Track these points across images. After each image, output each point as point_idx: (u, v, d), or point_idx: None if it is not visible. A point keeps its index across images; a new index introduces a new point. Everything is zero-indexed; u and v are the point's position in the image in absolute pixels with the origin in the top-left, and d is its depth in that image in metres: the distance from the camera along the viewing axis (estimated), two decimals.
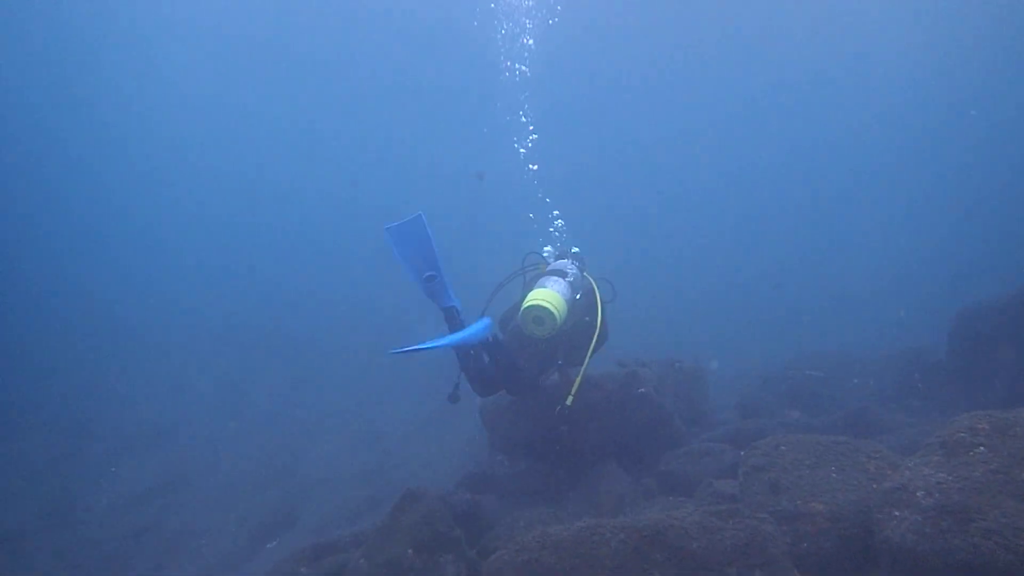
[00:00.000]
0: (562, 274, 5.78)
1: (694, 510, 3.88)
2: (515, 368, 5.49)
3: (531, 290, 5.56)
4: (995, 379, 8.02)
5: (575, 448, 6.16)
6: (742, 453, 4.71)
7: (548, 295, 5.42)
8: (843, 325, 15.12)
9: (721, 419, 7.97)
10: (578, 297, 5.83)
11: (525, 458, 6.23)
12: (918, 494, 3.68)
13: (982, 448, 3.70)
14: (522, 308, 5.40)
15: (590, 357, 5.56)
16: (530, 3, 13.53)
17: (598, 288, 5.96)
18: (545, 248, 7.15)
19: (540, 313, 5.34)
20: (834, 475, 4.28)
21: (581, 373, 5.44)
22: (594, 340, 5.58)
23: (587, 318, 5.80)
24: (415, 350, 4.38)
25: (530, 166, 10.58)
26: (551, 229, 8.70)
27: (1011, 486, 3.43)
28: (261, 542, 7.58)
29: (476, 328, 5.23)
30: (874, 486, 4.08)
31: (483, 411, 7.05)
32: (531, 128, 12.00)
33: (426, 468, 8.33)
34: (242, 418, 12.08)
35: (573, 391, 5.31)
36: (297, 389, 13.58)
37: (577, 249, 6.77)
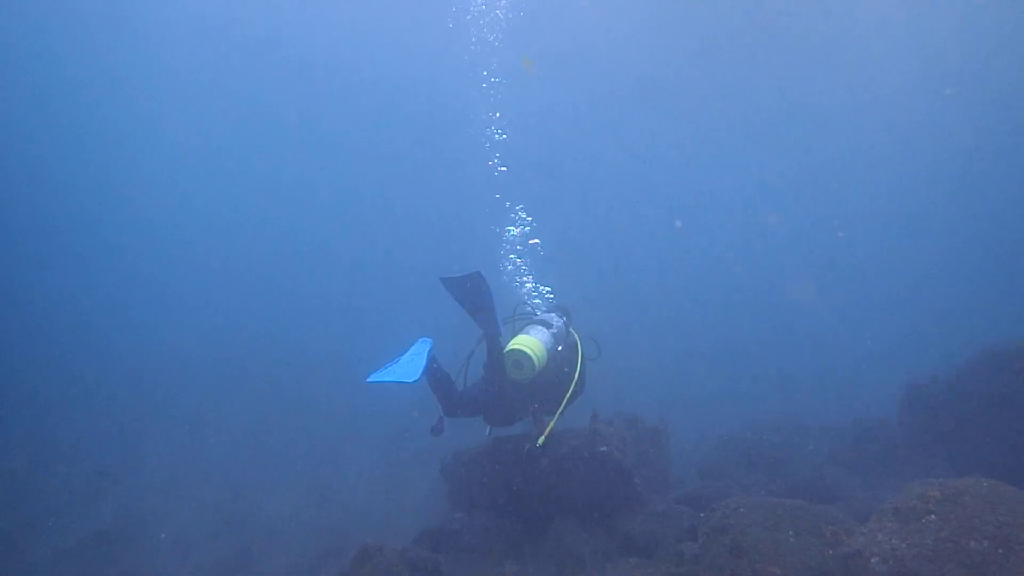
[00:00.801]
0: (547, 325, 6.15)
1: (655, 571, 3.87)
2: (499, 393, 5.75)
3: (516, 336, 5.87)
4: (941, 448, 8.28)
5: (536, 504, 6.11)
6: (702, 515, 4.74)
7: (530, 341, 5.77)
8: (808, 389, 15.37)
9: (681, 480, 7.99)
10: (560, 349, 6.11)
11: (485, 513, 6.14)
12: (873, 560, 3.76)
13: (933, 516, 3.81)
14: (505, 351, 5.67)
15: (564, 406, 5.78)
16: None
17: (582, 344, 6.21)
18: (535, 300, 7.43)
19: (519, 357, 5.66)
20: (792, 539, 4.32)
21: (554, 419, 5.64)
22: (570, 390, 5.82)
23: (566, 368, 6.08)
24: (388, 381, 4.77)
25: (531, 241, 10.40)
26: (537, 292, 8.89)
27: (960, 554, 3.52)
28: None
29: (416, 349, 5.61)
30: (830, 552, 4.14)
31: (444, 465, 6.96)
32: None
33: (384, 522, 8.10)
34: (196, 463, 11.61)
35: (545, 432, 5.49)
36: (256, 433, 13.17)
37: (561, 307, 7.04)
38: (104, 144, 30.89)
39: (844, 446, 9.12)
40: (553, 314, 6.62)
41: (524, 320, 6.51)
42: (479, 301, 5.68)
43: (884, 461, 8.61)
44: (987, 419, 7.81)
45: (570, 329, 6.52)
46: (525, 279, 8.82)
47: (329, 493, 10.22)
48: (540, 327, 6.08)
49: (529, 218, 10.11)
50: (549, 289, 8.35)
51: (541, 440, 5.45)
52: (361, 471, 10.94)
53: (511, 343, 5.75)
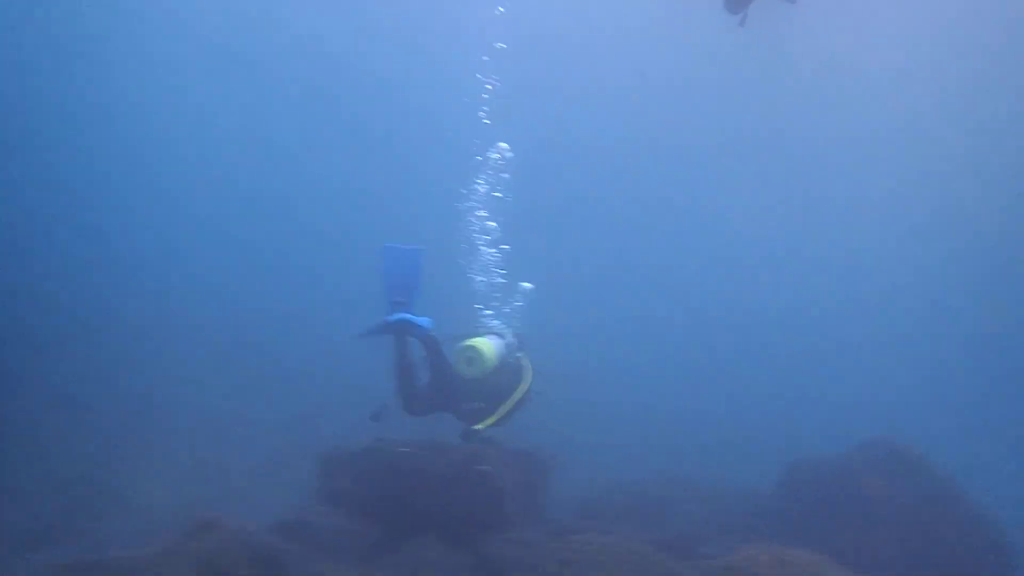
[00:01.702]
0: (500, 336, 6.81)
1: None
2: (449, 383, 6.18)
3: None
4: (812, 523, 8.62)
5: (402, 512, 6.06)
6: (552, 546, 4.80)
7: (483, 342, 6.38)
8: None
9: (557, 516, 8.05)
10: (509, 360, 6.74)
11: (348, 513, 6.05)
12: None
13: None
14: (458, 347, 6.24)
15: (505, 412, 6.27)
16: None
17: (533, 373, 6.79)
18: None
19: (472, 354, 6.23)
20: None
21: (496, 415, 6.15)
22: (513, 397, 6.36)
23: (512, 379, 6.62)
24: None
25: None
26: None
27: None
28: (26, 552, 6.71)
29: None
30: None
31: (322, 457, 6.83)
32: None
33: (246, 504, 7.86)
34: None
35: (486, 423, 6.05)
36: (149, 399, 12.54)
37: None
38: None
39: (721, 510, 9.40)
40: (507, 333, 7.19)
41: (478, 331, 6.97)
42: (407, 279, 6.24)
43: (755, 529, 8.89)
44: (862, 517, 8.19)
45: (520, 354, 7.08)
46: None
47: (209, 469, 9.86)
48: (493, 335, 6.74)
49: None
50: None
51: (481, 426, 5.98)
52: (249, 449, 10.60)
53: (466, 341, 6.31)
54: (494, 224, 10.57)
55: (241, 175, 31.60)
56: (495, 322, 7.65)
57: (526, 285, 9.86)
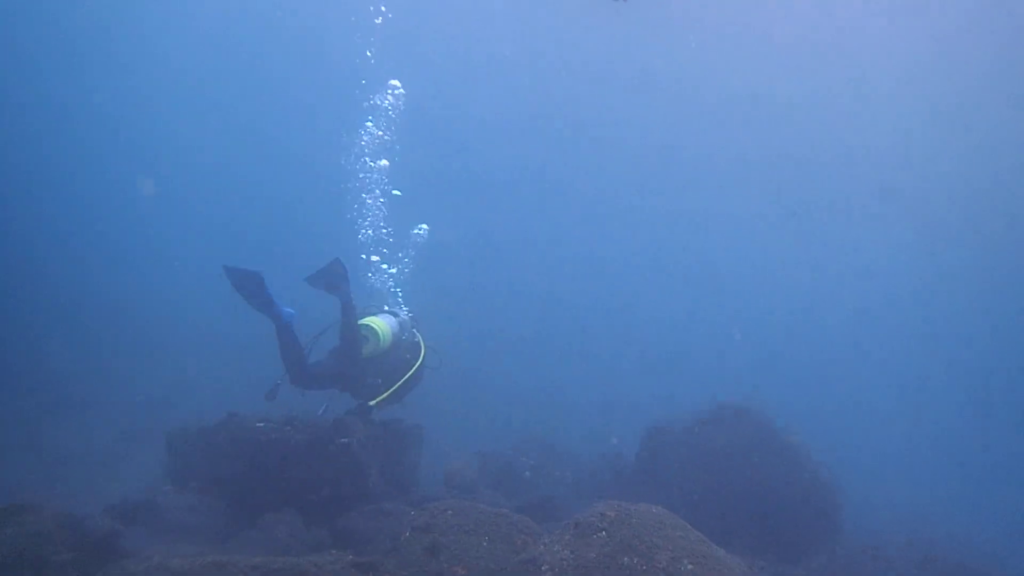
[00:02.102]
0: (394, 315, 7.08)
1: (337, 560, 3.81)
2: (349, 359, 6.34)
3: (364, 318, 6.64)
4: (671, 484, 9.21)
5: (259, 489, 5.82)
6: (412, 513, 4.79)
7: (377, 321, 6.64)
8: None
9: (426, 489, 8.06)
10: (404, 337, 7.03)
11: (198, 492, 5.72)
12: (543, 568, 4.01)
13: (604, 533, 4.16)
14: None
15: (400, 387, 6.61)
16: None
17: (426, 349, 7.14)
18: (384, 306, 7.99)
19: (367, 332, 6.49)
20: (485, 544, 4.50)
21: (391, 390, 6.48)
22: (408, 374, 6.67)
23: (408, 356, 6.94)
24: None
25: (394, 191, 10.16)
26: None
27: (612, 569, 3.87)
28: None
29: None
30: (513, 557, 4.36)
31: (169, 437, 6.41)
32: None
33: (86, 489, 7.25)
34: None
35: (380, 398, 6.41)
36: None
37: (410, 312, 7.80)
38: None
39: (585, 474, 9.81)
40: (400, 310, 7.55)
41: (373, 309, 7.20)
42: (336, 280, 6.33)
43: (620, 492, 9.36)
44: (707, 467, 8.84)
45: (416, 330, 7.38)
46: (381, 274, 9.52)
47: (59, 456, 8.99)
48: (387, 314, 7.00)
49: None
50: (400, 291, 9.37)
51: (374, 403, 6.32)
52: (97, 435, 9.76)
53: (360, 320, 6.48)
54: (383, 163, 10.46)
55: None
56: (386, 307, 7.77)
57: (421, 228, 9.92)
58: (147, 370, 12.53)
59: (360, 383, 6.56)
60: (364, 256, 9.65)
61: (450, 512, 4.69)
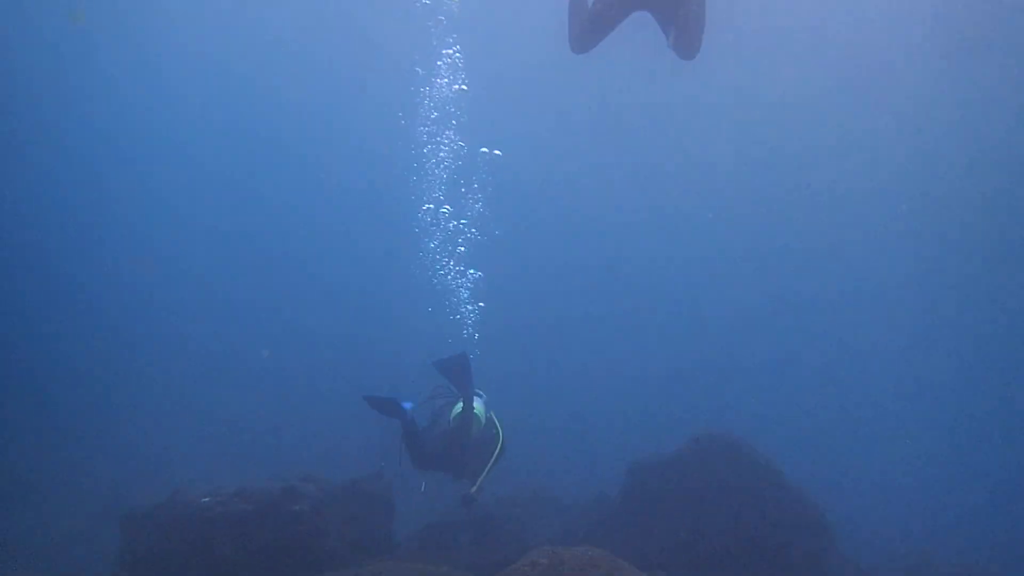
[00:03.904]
0: (480, 396, 7.33)
1: None
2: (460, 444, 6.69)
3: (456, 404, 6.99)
4: (656, 524, 8.96)
5: (213, 569, 5.71)
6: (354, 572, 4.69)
7: (476, 405, 6.96)
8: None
9: (400, 543, 7.91)
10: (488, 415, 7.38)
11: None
12: None
13: None
14: (454, 411, 6.83)
15: (492, 465, 6.74)
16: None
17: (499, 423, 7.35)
18: None
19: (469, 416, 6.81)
20: None
21: (485, 472, 6.60)
22: (497, 450, 6.83)
23: (494, 431, 7.10)
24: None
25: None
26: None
27: None
28: None
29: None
30: None
31: (125, 521, 6.33)
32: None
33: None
34: None
35: (479, 483, 6.51)
36: None
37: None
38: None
39: (573, 519, 9.58)
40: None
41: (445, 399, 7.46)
42: (460, 374, 6.88)
43: (606, 536, 9.11)
44: (689, 505, 8.63)
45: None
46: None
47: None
48: (475, 398, 7.23)
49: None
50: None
51: (475, 489, 6.50)
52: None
53: (460, 405, 6.85)
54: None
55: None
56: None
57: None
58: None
59: (466, 465, 6.84)
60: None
61: (385, 574, 4.59)
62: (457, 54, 11.68)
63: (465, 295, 10.89)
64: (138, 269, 25.35)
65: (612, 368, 24.30)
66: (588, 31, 5.24)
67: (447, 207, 11.55)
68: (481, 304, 10.86)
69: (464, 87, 11.55)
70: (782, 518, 8.46)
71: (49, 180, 26.58)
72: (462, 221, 11.57)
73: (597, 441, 15.71)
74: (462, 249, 11.24)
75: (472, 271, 11.05)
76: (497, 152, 12.25)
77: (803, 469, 10.43)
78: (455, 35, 11.76)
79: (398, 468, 6.62)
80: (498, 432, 7.08)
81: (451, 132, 11.77)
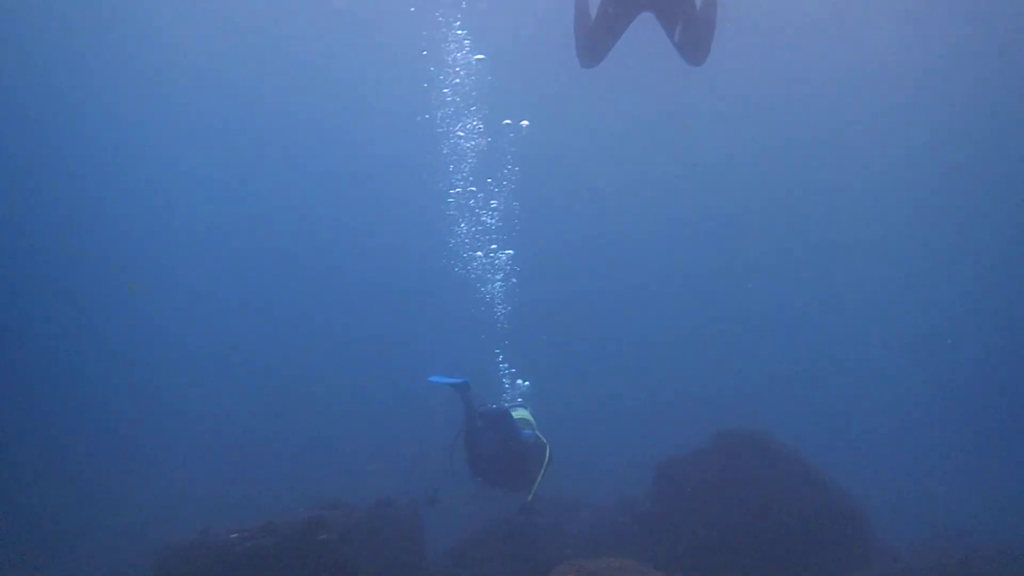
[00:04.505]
0: (524, 405, 7.76)
1: None
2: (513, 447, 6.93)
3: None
4: (687, 525, 8.85)
5: None
6: None
7: (523, 413, 7.36)
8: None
9: (433, 562, 7.89)
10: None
11: None
12: None
13: None
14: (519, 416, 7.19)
15: (543, 473, 7.00)
16: None
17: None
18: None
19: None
20: None
21: (538, 480, 6.86)
22: (547, 458, 7.02)
23: (543, 440, 7.30)
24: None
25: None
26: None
27: None
28: None
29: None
30: None
31: (158, 561, 6.37)
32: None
33: None
34: None
35: (532, 491, 6.82)
36: None
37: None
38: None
39: (603, 526, 9.50)
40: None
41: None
42: (465, 403, 6.94)
43: (636, 540, 9.01)
44: (719, 503, 8.52)
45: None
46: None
47: None
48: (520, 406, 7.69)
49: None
50: (527, 383, 9.57)
51: (531, 496, 6.82)
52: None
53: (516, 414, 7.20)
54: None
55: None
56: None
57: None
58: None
59: (524, 474, 7.02)
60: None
61: None
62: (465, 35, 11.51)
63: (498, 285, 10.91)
64: (159, 286, 25.52)
65: (628, 362, 24.01)
66: (595, 40, 5.25)
67: (472, 188, 11.47)
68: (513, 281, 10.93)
69: (481, 56, 11.39)
70: (817, 509, 8.35)
71: (69, 180, 26.24)
72: (491, 203, 11.49)
73: (610, 439, 15.55)
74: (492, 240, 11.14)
75: (504, 252, 11.03)
76: (524, 123, 12.04)
77: (826, 460, 10.27)
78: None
79: (451, 472, 6.76)
80: (544, 440, 7.22)
81: (473, 108, 11.52)
